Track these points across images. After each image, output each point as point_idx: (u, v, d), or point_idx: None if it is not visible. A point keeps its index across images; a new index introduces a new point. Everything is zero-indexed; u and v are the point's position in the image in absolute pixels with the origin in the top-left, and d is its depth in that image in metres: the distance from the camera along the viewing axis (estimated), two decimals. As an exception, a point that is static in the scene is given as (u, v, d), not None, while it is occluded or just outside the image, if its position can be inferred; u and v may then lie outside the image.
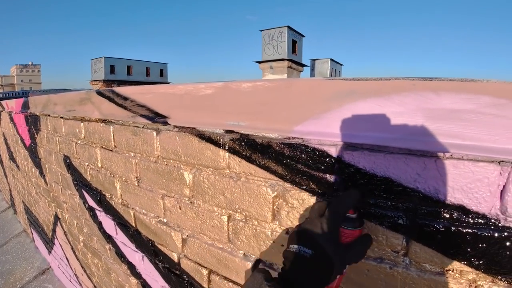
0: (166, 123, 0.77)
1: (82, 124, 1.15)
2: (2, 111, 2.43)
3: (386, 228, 0.50)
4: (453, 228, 0.45)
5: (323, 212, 0.46)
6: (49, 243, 2.04)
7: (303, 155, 0.54)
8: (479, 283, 0.45)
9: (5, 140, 2.56)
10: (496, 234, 0.42)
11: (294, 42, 18.54)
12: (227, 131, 0.64)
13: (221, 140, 0.65)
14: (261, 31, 18.55)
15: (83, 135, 1.17)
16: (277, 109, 0.53)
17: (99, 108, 0.96)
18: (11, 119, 2.14)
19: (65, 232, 1.65)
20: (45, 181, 1.70)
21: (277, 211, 0.61)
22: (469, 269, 0.45)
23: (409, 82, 0.42)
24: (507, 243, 0.42)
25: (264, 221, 0.63)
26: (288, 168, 0.57)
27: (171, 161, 0.80)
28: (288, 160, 0.56)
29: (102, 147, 1.08)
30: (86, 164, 1.21)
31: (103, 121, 1.03)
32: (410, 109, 0.43)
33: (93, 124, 1.09)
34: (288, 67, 17.67)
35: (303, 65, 19.78)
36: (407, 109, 0.43)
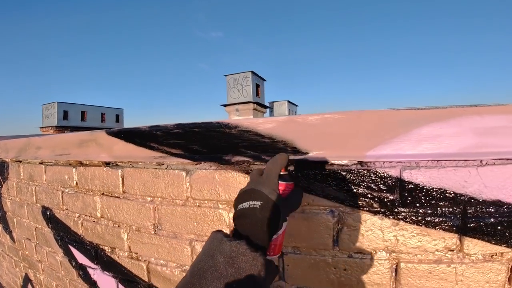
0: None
1: (74, 169, 1.04)
2: None
3: (444, 231, 0.57)
4: (493, 219, 0.55)
5: (261, 173, 0.53)
6: None
7: (365, 178, 0.59)
8: None
9: None
10: None
11: (257, 86, 19.84)
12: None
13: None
14: (225, 76, 19.45)
15: (75, 182, 1.05)
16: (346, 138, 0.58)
17: (109, 149, 0.89)
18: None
19: (39, 298, 1.36)
20: (11, 238, 1.41)
21: (336, 236, 0.63)
22: (508, 250, 0.56)
23: (461, 109, 0.52)
24: None
25: (324, 249, 0.64)
26: (349, 193, 0.61)
27: (206, 201, 0.76)
28: (350, 185, 0.60)
29: (103, 194, 0.98)
30: (77, 215, 1.06)
31: (107, 164, 0.95)
32: (464, 129, 0.52)
33: (92, 169, 0.99)
34: (254, 109, 18.62)
35: (266, 107, 21.05)
36: (462, 129, 0.52)
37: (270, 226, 0.47)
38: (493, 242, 0.56)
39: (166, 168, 0.82)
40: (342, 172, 0.60)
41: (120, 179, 0.92)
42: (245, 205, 0.48)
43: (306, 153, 0.61)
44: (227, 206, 0.74)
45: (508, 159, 0.54)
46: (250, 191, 0.50)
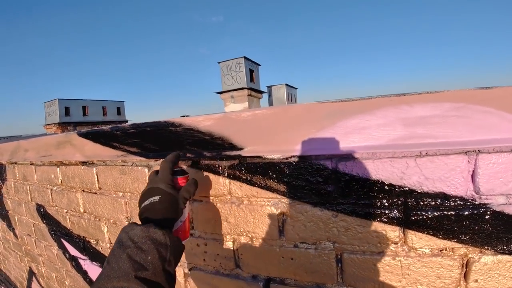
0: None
1: (58, 169, 1.10)
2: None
3: (384, 223, 0.56)
4: (438, 213, 0.53)
5: (157, 172, 0.60)
6: None
7: (302, 171, 0.59)
8: (469, 256, 0.54)
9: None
10: (475, 211, 0.52)
11: (251, 71, 19.57)
12: (224, 158, 0.67)
13: (220, 167, 0.68)
14: (218, 63, 19.27)
15: (60, 181, 1.11)
16: (277, 132, 0.58)
17: (81, 150, 0.94)
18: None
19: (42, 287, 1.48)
20: (14, 234, 1.54)
21: (282, 226, 0.64)
22: (459, 245, 0.53)
23: (387, 99, 0.50)
24: (486, 217, 0.51)
25: (272, 238, 0.66)
26: (289, 185, 0.61)
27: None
28: (289, 177, 0.61)
29: (83, 190, 1.03)
30: (65, 211, 1.13)
31: (84, 163, 0.99)
32: (391, 120, 0.51)
33: (72, 168, 1.04)
34: (248, 95, 18.45)
35: (261, 92, 20.77)
36: (388, 120, 0.51)
37: (170, 212, 0.55)
38: (440, 237, 0.54)
39: (131, 165, 0.85)
40: (279, 165, 0.61)
41: (95, 176, 0.96)
42: (146, 202, 0.56)
43: (242, 149, 0.62)
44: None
45: (450, 149, 0.52)
46: (149, 190, 0.57)
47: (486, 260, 0.53)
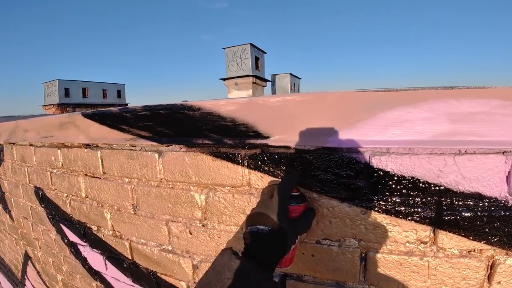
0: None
1: (59, 151, 1.04)
2: None
3: (415, 222, 0.53)
4: (472, 213, 0.51)
5: (272, 194, 0.52)
6: (18, 285, 1.77)
7: (332, 163, 0.55)
8: (496, 257, 0.52)
9: None
10: (507, 213, 0.50)
11: (257, 59, 19.23)
12: (246, 147, 0.62)
13: (239, 156, 0.63)
14: (224, 48, 18.89)
15: (60, 163, 1.06)
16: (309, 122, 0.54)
17: (85, 132, 0.88)
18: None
19: (38, 272, 1.44)
20: (10, 217, 1.48)
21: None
22: (488, 247, 0.52)
23: (434, 91, 0.46)
24: None
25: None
26: (316, 178, 0.57)
27: (178, 183, 0.75)
28: (317, 170, 0.57)
29: (86, 174, 0.98)
30: (65, 195, 1.08)
31: (88, 146, 0.94)
32: (437, 114, 0.47)
33: (74, 150, 0.99)
34: (253, 83, 18.19)
35: (266, 80, 20.48)
36: (434, 114, 0.47)
37: (276, 252, 0.49)
38: (471, 238, 0.52)
39: (140, 150, 0.80)
40: (307, 157, 0.57)
41: (100, 160, 0.91)
42: (254, 228, 0.49)
43: (268, 137, 0.57)
44: (198, 188, 0.72)
45: (489, 149, 0.49)
46: (259, 215, 0.50)
47: (511, 262, 0.52)
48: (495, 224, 0.50)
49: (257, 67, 19.10)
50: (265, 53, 20.39)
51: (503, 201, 0.50)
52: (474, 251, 0.53)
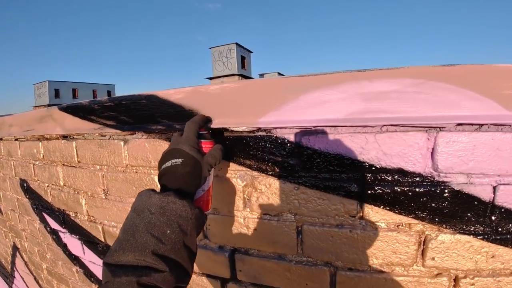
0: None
1: (40, 143, 1.11)
2: None
3: (342, 196, 0.58)
4: (395, 188, 0.55)
5: (182, 134, 0.56)
6: (8, 278, 1.83)
7: (267, 144, 0.61)
8: (427, 233, 0.55)
9: None
10: (433, 189, 0.53)
11: (243, 58, 19.44)
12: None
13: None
14: (210, 48, 19.13)
15: (42, 155, 1.12)
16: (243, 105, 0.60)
17: (61, 124, 0.95)
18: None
19: (25, 263, 1.50)
20: (0, 210, 1.56)
21: (247, 199, 0.66)
22: (416, 221, 0.55)
23: (349, 74, 0.52)
24: (445, 195, 0.53)
25: (237, 210, 0.68)
26: (255, 158, 0.63)
27: (140, 168, 0.81)
28: (255, 150, 0.62)
29: (64, 164, 1.05)
30: (46, 185, 1.15)
31: (65, 137, 1.00)
32: (350, 95, 0.52)
33: (53, 142, 1.05)
34: None
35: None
36: (348, 94, 0.52)
37: (192, 179, 0.51)
38: (397, 212, 0.55)
39: (108, 139, 0.86)
40: (246, 138, 0.63)
41: (75, 150, 0.98)
42: (168, 164, 0.51)
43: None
44: (157, 171, 0.78)
45: (410, 126, 0.52)
46: (172, 151, 0.52)
47: (443, 239, 0.55)
48: (422, 199, 0.54)
49: (243, 66, 19.37)
50: (251, 52, 20.65)
51: (428, 177, 0.53)
52: (402, 225, 0.56)
